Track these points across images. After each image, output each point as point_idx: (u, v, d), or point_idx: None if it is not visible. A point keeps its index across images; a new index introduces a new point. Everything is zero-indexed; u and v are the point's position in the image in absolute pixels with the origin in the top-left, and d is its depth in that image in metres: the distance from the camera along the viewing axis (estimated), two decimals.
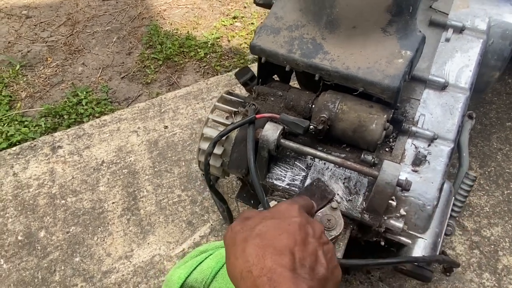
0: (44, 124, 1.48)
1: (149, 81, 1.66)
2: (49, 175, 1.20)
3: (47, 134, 1.43)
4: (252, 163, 0.73)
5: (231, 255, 0.48)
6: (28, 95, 1.62)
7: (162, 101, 1.38)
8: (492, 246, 1.01)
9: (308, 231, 0.50)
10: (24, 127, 1.47)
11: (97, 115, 1.52)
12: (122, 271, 1.01)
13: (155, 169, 1.19)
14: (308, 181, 0.80)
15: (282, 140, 0.78)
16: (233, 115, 0.90)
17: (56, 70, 1.71)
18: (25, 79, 1.66)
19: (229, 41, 1.82)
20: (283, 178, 0.82)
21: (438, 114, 0.84)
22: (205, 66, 1.72)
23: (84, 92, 1.60)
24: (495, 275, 0.97)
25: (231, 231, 0.51)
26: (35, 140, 1.31)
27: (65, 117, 1.51)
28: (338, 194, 0.79)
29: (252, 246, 0.46)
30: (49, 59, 1.76)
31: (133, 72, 1.70)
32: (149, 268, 1.01)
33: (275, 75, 0.96)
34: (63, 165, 1.22)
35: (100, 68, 1.72)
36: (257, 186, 0.73)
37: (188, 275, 0.67)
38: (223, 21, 1.90)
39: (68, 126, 1.47)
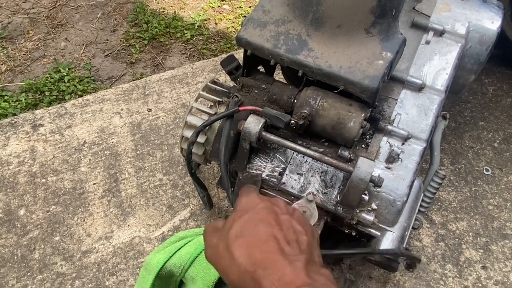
0: (25, 99, 1.46)
1: (134, 61, 1.65)
2: (30, 153, 1.20)
3: (27, 110, 1.41)
4: (223, 158, 0.77)
5: (221, 268, 0.49)
6: (8, 68, 1.58)
7: (147, 83, 1.38)
8: (457, 240, 1.08)
9: (276, 210, 0.52)
10: (4, 101, 1.45)
11: (79, 93, 1.50)
12: (102, 251, 1.03)
13: (138, 152, 1.21)
14: (287, 172, 0.84)
15: (263, 133, 0.80)
16: (217, 105, 0.92)
17: (37, 44, 1.68)
18: (5, 52, 1.62)
19: (216, 24, 1.81)
20: (262, 169, 0.84)
21: (413, 114, 0.87)
22: (191, 48, 1.71)
23: (67, 69, 1.57)
24: (457, 266, 1.03)
25: (210, 247, 0.53)
26: (15, 116, 1.29)
27: (47, 93, 1.50)
28: (314, 187, 0.82)
29: (237, 249, 0.47)
30: (30, 32, 1.71)
31: (117, 50, 1.68)
32: (128, 250, 1.03)
33: (260, 66, 0.98)
34: (44, 144, 1.22)
35: (83, 44, 1.69)
36: (225, 180, 0.78)
37: (167, 260, 0.70)
38: (211, 3, 1.88)
39: (50, 103, 1.46)
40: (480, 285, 1.01)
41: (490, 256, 1.05)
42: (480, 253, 1.06)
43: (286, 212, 0.53)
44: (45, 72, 1.58)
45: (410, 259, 0.90)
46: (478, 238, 1.08)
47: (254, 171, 0.77)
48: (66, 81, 1.53)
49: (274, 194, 0.83)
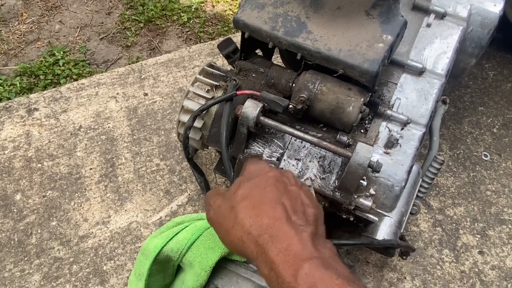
0: (19, 83, 1.44)
1: (129, 44, 1.62)
2: (25, 138, 1.18)
3: (22, 95, 1.39)
4: (224, 141, 0.75)
5: (223, 229, 0.47)
6: (2, 52, 1.56)
7: (143, 67, 1.36)
8: (454, 225, 1.08)
9: (285, 181, 0.51)
10: None
11: (74, 77, 1.48)
12: (99, 236, 1.03)
13: (134, 136, 1.19)
14: (285, 158, 0.83)
15: (261, 118, 0.79)
16: (214, 89, 0.90)
17: (31, 27, 1.64)
18: None
19: (213, 6, 1.78)
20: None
21: (413, 99, 0.86)
22: (188, 31, 1.68)
23: (61, 52, 1.55)
24: (454, 251, 1.04)
25: (213, 208, 0.51)
26: (10, 100, 1.28)
27: (41, 77, 1.47)
28: (312, 172, 0.82)
29: (243, 210, 0.46)
30: (24, 14, 1.68)
31: (113, 33, 1.65)
32: (126, 234, 1.03)
33: (258, 49, 0.96)
34: (39, 128, 1.21)
35: (78, 27, 1.66)
36: (226, 164, 0.76)
37: (164, 245, 0.69)
38: None
39: (44, 87, 1.44)
40: (477, 269, 1.02)
41: (487, 241, 1.06)
42: (477, 238, 1.06)
43: (295, 183, 0.52)
44: (39, 56, 1.56)
45: (405, 248, 0.90)
46: (476, 224, 1.08)
47: (254, 152, 0.76)
48: (61, 64, 1.51)
49: None
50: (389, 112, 0.84)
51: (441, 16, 0.90)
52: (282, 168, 0.82)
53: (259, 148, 0.84)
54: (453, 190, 1.14)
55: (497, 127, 1.27)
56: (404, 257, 0.98)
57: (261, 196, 0.47)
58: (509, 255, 1.04)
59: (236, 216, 0.46)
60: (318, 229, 0.48)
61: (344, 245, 1.00)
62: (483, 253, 1.04)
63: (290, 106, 0.79)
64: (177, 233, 0.72)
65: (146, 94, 1.29)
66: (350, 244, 0.87)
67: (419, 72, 0.87)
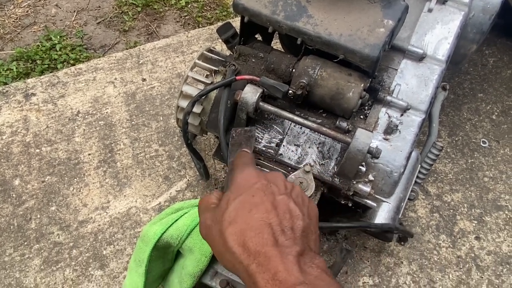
0: (16, 68, 1.42)
1: (127, 29, 1.60)
2: (23, 123, 1.18)
3: (19, 79, 1.38)
4: (222, 126, 0.75)
5: (216, 251, 0.48)
6: None
7: (141, 52, 1.35)
8: (451, 211, 1.09)
9: (273, 190, 0.50)
10: None
11: (71, 62, 1.47)
12: (99, 221, 1.03)
13: (132, 122, 1.19)
14: (284, 144, 0.83)
15: (261, 103, 0.79)
16: (213, 74, 0.89)
17: (27, 11, 1.62)
18: None
19: None
20: (260, 140, 0.83)
21: (413, 85, 0.86)
22: (186, 16, 1.66)
23: (58, 37, 1.53)
24: (451, 237, 1.05)
25: (204, 225, 0.51)
26: (6, 85, 1.26)
27: (38, 62, 1.46)
28: (312, 158, 0.82)
29: (230, 237, 0.46)
30: None
31: (110, 17, 1.63)
32: (125, 220, 1.04)
33: (258, 34, 0.95)
34: (37, 114, 1.20)
35: (74, 11, 1.64)
36: (224, 150, 0.77)
37: (164, 232, 0.70)
38: None
39: (41, 72, 1.42)
40: (473, 255, 1.03)
41: (483, 227, 1.07)
42: (474, 224, 1.07)
43: (284, 191, 0.51)
44: (36, 40, 1.54)
45: (403, 233, 0.91)
46: (473, 210, 1.09)
47: (247, 127, 0.73)
48: (57, 49, 1.49)
49: (271, 166, 0.82)
50: (389, 98, 0.83)
51: (443, 1, 0.89)
52: (281, 154, 0.82)
53: (258, 134, 0.84)
54: (451, 177, 1.14)
55: (496, 113, 1.27)
56: (403, 243, 0.99)
57: (247, 219, 0.47)
58: (505, 240, 1.05)
59: (226, 243, 0.46)
60: (309, 241, 0.48)
61: (342, 228, 1.01)
62: (479, 239, 1.05)
63: (290, 91, 0.78)
64: (176, 220, 0.72)
65: (144, 80, 1.28)
66: (348, 227, 0.88)
67: (420, 58, 0.87)
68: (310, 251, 0.47)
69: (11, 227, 1.02)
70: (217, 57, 0.91)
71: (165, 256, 0.77)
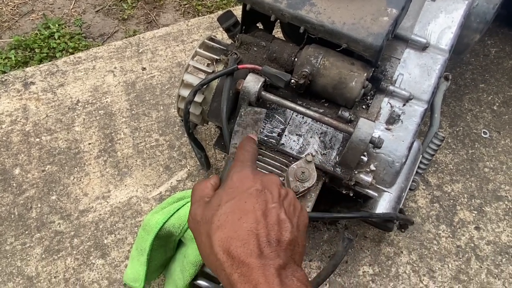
0: (14, 57, 1.41)
1: (126, 17, 1.58)
2: (22, 112, 1.17)
3: (17, 68, 1.37)
4: (224, 116, 0.74)
5: (201, 249, 0.49)
6: None
7: (140, 40, 1.33)
8: (451, 201, 1.09)
9: (267, 198, 0.50)
10: None
11: (70, 50, 1.45)
12: (99, 210, 1.03)
13: (133, 111, 1.18)
14: (286, 133, 0.82)
15: (263, 93, 0.78)
16: (214, 63, 0.89)
17: None
18: None
19: None
20: (261, 130, 0.83)
21: (416, 75, 0.85)
22: (185, 4, 1.64)
23: (56, 25, 1.51)
24: (451, 227, 1.05)
25: (193, 221, 0.52)
26: (5, 74, 1.25)
27: (37, 50, 1.45)
28: (313, 148, 0.82)
29: (217, 242, 0.47)
30: None
31: (109, 6, 1.61)
32: (126, 209, 1.04)
33: (259, 23, 0.94)
34: (37, 102, 1.19)
35: None
36: (226, 140, 0.76)
37: (166, 221, 0.70)
38: None
39: (40, 61, 1.41)
40: (473, 245, 1.03)
41: (483, 217, 1.07)
42: (474, 214, 1.07)
43: (277, 199, 0.51)
44: (34, 28, 1.52)
45: (404, 221, 0.91)
46: (473, 200, 1.09)
47: (258, 108, 0.72)
48: (56, 38, 1.48)
49: (273, 155, 0.82)
50: (391, 87, 0.83)
51: None
52: (282, 144, 0.82)
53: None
54: (452, 167, 1.14)
55: (497, 104, 1.26)
56: (403, 230, 0.99)
57: (235, 227, 0.47)
58: (505, 230, 1.05)
59: (212, 246, 0.47)
60: (293, 253, 0.49)
61: (344, 218, 1.01)
62: (479, 229, 1.06)
63: (292, 81, 0.78)
64: (178, 209, 0.72)
65: (144, 69, 1.27)
66: (350, 217, 0.88)
67: (423, 47, 0.86)
68: (294, 264, 0.47)
69: (12, 216, 1.02)
70: (219, 46, 0.90)
71: (167, 245, 0.77)
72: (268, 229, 0.47)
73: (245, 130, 0.71)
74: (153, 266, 0.77)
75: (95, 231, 1.01)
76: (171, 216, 0.70)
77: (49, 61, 1.34)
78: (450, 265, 1.00)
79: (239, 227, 0.47)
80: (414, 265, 1.00)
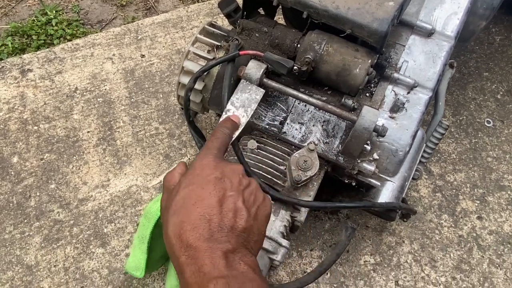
0: (11, 44, 1.39)
1: (124, 3, 1.56)
2: (20, 100, 1.15)
3: (14, 55, 1.35)
4: (225, 102, 0.73)
5: (163, 234, 0.50)
6: None
7: (139, 27, 1.31)
8: (454, 191, 1.08)
9: (225, 186, 0.50)
10: None
11: (68, 37, 1.43)
12: (99, 199, 1.02)
13: (132, 99, 1.17)
14: (288, 121, 0.81)
15: (265, 80, 0.76)
16: (215, 49, 0.87)
17: None
18: None
19: None
20: (263, 118, 0.82)
21: (421, 62, 0.84)
22: None
23: (54, 11, 1.49)
24: (453, 216, 1.04)
25: (161, 207, 0.53)
26: (2, 61, 1.23)
27: (34, 37, 1.42)
28: (316, 136, 0.80)
29: (171, 227, 0.47)
30: None
31: None
32: (126, 198, 1.03)
33: (260, 8, 0.92)
34: (34, 90, 1.17)
35: None
36: None
37: None
38: None
39: (38, 48, 1.39)
40: (475, 234, 1.03)
41: (486, 207, 1.06)
42: (476, 204, 1.07)
43: (236, 188, 0.51)
44: (31, 15, 1.50)
45: (406, 210, 0.90)
46: (475, 189, 1.08)
47: (257, 88, 0.72)
48: (53, 24, 1.45)
49: (275, 144, 0.81)
50: (396, 75, 0.81)
51: None
52: (284, 133, 0.80)
53: (262, 111, 0.82)
54: (454, 156, 1.13)
55: (501, 93, 1.25)
56: (405, 219, 0.99)
57: (188, 212, 0.48)
58: (507, 220, 1.05)
59: (166, 231, 0.48)
60: (247, 241, 0.49)
61: (347, 208, 1.00)
62: (481, 219, 1.05)
63: (295, 67, 0.76)
64: None
65: (143, 56, 1.25)
66: (353, 207, 0.87)
67: (428, 34, 0.84)
68: (245, 250, 0.48)
69: (11, 204, 1.01)
70: (220, 31, 0.88)
71: None
72: (222, 216, 0.48)
73: (237, 111, 0.69)
74: (155, 256, 0.76)
75: (94, 220, 1.00)
76: None
77: (47, 48, 1.31)
78: (452, 255, 1.00)
79: (192, 212, 0.47)
80: (416, 254, 0.99)
